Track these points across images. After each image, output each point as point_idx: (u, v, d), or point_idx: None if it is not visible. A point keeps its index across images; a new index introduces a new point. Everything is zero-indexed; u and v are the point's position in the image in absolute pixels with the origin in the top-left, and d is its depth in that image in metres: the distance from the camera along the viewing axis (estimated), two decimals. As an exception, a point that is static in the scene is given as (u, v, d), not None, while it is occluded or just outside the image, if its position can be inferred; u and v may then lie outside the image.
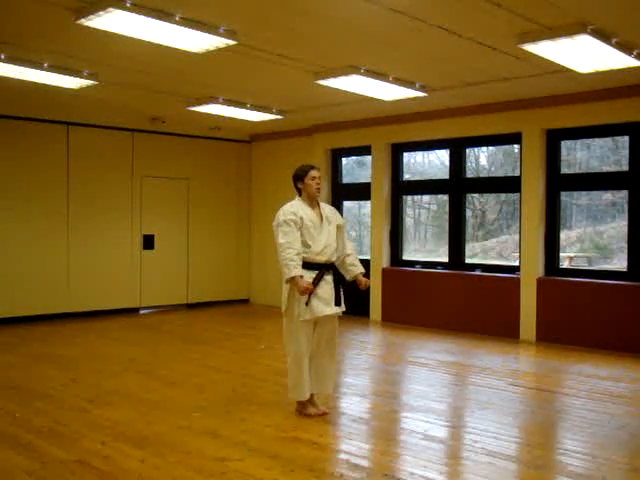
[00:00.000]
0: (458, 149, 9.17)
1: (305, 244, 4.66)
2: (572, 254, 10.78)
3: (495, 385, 5.85)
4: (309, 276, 4.63)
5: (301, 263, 4.58)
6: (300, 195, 4.83)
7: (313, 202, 4.82)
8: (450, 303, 8.92)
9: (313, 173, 4.79)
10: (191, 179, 10.97)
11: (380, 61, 6.50)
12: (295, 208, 4.72)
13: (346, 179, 10.86)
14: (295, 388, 4.76)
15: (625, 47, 5.65)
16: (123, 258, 10.15)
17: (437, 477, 3.68)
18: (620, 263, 9.99)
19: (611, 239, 11.17)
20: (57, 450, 4.04)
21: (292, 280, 4.54)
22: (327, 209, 4.92)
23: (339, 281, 4.85)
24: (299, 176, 4.81)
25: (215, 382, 5.83)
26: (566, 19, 5.03)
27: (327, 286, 4.72)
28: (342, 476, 3.64)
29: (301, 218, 4.66)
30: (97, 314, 9.82)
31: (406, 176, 10.17)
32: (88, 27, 5.22)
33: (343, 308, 4.87)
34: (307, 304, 4.61)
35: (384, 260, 9.73)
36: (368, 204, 10.21)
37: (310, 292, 4.57)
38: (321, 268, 4.71)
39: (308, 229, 4.67)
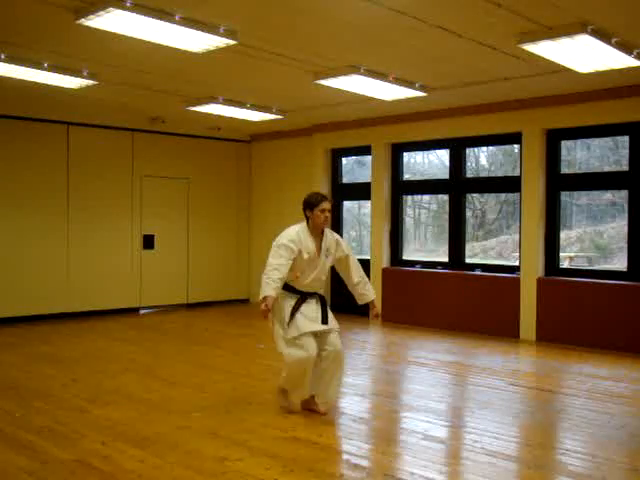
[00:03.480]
0: (458, 149, 9.17)
1: (294, 274, 4.66)
2: (572, 254, 10.78)
3: (495, 385, 5.85)
4: (290, 298, 4.67)
5: (280, 286, 4.54)
6: (307, 221, 4.76)
7: (318, 232, 4.77)
8: (450, 303, 8.92)
9: (324, 205, 4.69)
10: (191, 179, 10.97)
11: (380, 61, 6.50)
12: (299, 237, 4.65)
13: (346, 179, 10.86)
14: (296, 390, 4.75)
15: (625, 47, 5.65)
16: (123, 258, 10.15)
17: (437, 477, 3.68)
18: (620, 263, 9.99)
19: (611, 239, 11.17)
20: (57, 450, 4.04)
21: (263, 298, 4.44)
22: (330, 239, 4.83)
23: (324, 303, 4.81)
24: (310, 204, 4.72)
25: (215, 382, 5.83)
26: (566, 19, 5.03)
27: (310, 307, 4.73)
28: (342, 476, 3.64)
29: (299, 250, 4.62)
30: (97, 314, 9.82)
31: (406, 176, 10.17)
32: (88, 27, 5.22)
33: (332, 326, 4.77)
34: (288, 325, 4.62)
35: (384, 260, 9.73)
36: (368, 204, 10.21)
37: (265, 316, 4.47)
38: (303, 294, 4.74)
39: (302, 261, 4.66)
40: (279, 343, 4.71)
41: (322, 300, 4.82)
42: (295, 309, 4.65)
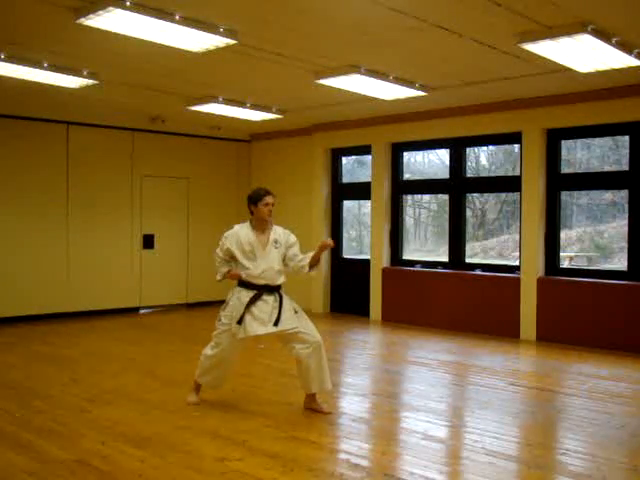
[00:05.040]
0: (458, 148, 9.16)
1: (243, 267, 4.78)
2: (572, 254, 10.79)
3: (495, 385, 5.85)
4: (246, 295, 4.75)
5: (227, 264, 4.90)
6: (252, 216, 4.92)
7: (263, 225, 4.90)
8: (450, 303, 8.91)
9: (267, 199, 4.86)
10: (191, 179, 10.97)
11: (380, 60, 6.49)
12: (236, 232, 4.88)
13: (346, 178, 10.86)
14: (204, 376, 5.06)
15: (625, 46, 5.64)
16: (123, 258, 10.15)
17: (437, 477, 3.68)
18: (620, 263, 9.99)
19: (611, 239, 11.18)
20: (57, 450, 4.04)
21: (225, 276, 4.84)
22: (278, 232, 4.95)
23: (281, 303, 4.79)
24: (253, 199, 4.90)
25: (215, 382, 5.82)
26: (566, 18, 5.03)
27: (265, 306, 4.74)
28: (342, 476, 3.64)
29: (237, 243, 4.81)
30: (97, 314, 9.82)
31: (406, 175, 10.16)
32: (88, 26, 5.21)
33: (284, 327, 4.75)
34: (240, 322, 4.71)
35: (384, 260, 9.72)
36: (368, 204, 10.20)
37: (237, 278, 4.81)
38: (260, 289, 4.77)
39: (246, 253, 4.79)
40: (216, 331, 4.95)
41: (280, 300, 4.80)
42: (248, 306, 4.71)
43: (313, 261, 4.86)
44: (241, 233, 4.86)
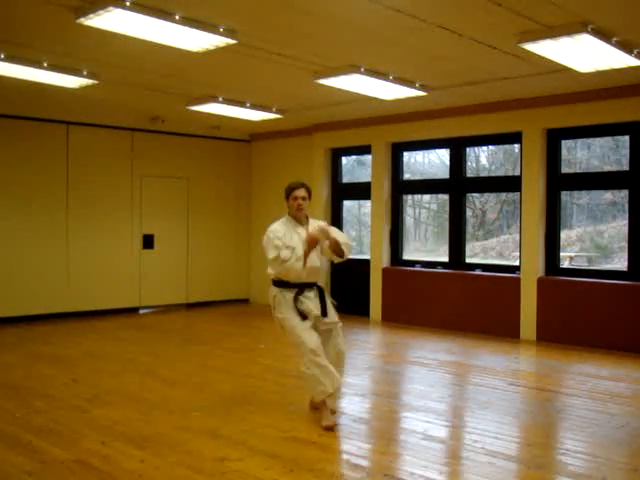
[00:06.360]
0: (458, 148, 9.16)
1: None
2: (572, 254, 10.79)
3: (495, 385, 5.85)
4: (289, 294, 4.58)
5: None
6: (289, 212, 4.76)
7: (301, 219, 4.71)
8: (450, 303, 8.91)
9: (295, 193, 4.67)
10: (191, 179, 10.97)
11: (380, 60, 6.49)
12: (282, 232, 4.58)
13: (346, 178, 10.86)
14: (319, 386, 4.51)
15: (625, 46, 5.64)
16: (123, 258, 10.14)
17: (437, 477, 3.67)
18: (620, 263, 9.99)
19: (611, 239, 11.18)
20: (57, 450, 4.04)
21: (306, 252, 4.47)
22: (315, 226, 4.71)
23: (323, 296, 4.70)
24: (285, 194, 4.73)
25: (215, 382, 5.83)
26: (566, 18, 5.03)
27: (308, 301, 4.61)
28: (342, 476, 3.64)
29: (285, 244, 4.52)
30: (97, 314, 9.82)
31: (406, 175, 10.16)
32: (88, 26, 5.21)
33: (333, 319, 4.71)
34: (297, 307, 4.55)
35: (384, 260, 9.72)
36: (368, 203, 10.20)
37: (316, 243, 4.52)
38: (300, 287, 4.62)
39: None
40: (293, 333, 4.57)
41: (321, 292, 4.71)
42: (295, 298, 4.56)
43: (334, 248, 4.65)
44: (289, 232, 4.59)
